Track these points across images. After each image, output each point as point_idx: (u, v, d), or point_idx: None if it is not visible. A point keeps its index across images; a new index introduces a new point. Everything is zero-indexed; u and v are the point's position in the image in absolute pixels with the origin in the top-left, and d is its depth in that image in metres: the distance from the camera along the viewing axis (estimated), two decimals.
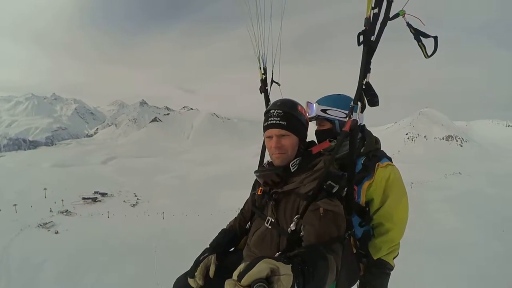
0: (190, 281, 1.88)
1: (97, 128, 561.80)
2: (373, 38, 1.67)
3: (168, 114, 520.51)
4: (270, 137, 1.88)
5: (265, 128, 1.90)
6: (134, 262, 35.29)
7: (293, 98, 1.98)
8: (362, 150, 2.21)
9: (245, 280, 1.05)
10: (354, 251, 2.00)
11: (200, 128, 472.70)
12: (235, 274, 1.11)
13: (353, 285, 1.99)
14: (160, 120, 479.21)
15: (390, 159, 2.23)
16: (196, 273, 1.86)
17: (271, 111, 1.86)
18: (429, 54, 1.61)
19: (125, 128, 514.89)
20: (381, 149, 2.33)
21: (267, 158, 2.14)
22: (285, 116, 1.83)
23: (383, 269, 2.12)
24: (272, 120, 1.84)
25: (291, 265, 1.14)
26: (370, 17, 1.62)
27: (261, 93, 2.59)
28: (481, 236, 45.57)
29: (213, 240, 2.15)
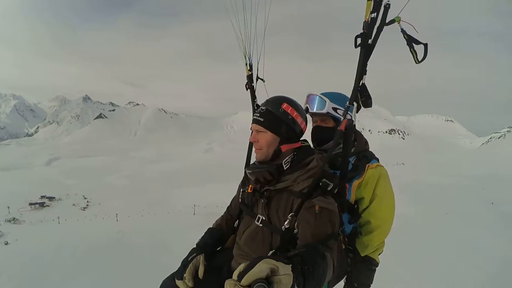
0: (179, 283, 1.87)
1: (38, 127, 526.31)
2: (370, 41, 1.76)
3: (113, 110, 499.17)
4: (252, 131, 1.95)
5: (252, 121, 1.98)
6: (93, 268, 34.37)
7: (286, 95, 2.00)
8: (352, 150, 2.28)
9: (245, 280, 1.05)
10: (343, 247, 2.10)
11: (148, 124, 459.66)
12: (235, 274, 1.11)
13: (341, 279, 2.19)
14: (106, 117, 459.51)
15: (377, 160, 2.32)
16: (185, 275, 1.85)
17: (259, 107, 1.94)
18: (419, 60, 1.70)
19: (68, 125, 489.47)
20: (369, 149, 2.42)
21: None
22: (265, 113, 1.87)
23: (370, 265, 2.22)
24: (254, 116, 1.92)
25: (291, 265, 1.16)
26: (368, 20, 1.70)
27: (247, 90, 2.61)
28: (429, 220, 49.00)
29: (200, 240, 2.14)
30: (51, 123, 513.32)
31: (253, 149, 2.04)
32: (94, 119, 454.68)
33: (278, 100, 1.89)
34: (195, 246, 2.07)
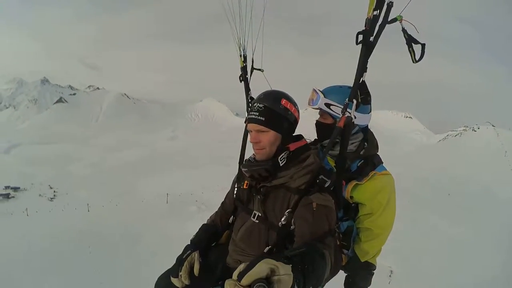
0: (174, 280, 1.84)
1: None
2: (371, 38, 1.71)
3: (74, 94, 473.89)
4: (250, 131, 1.89)
5: (246, 121, 1.91)
6: (70, 263, 33.08)
7: (280, 90, 1.94)
8: (362, 153, 2.21)
9: (245, 280, 1.03)
10: (338, 243, 1.98)
11: (110, 110, 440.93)
12: (235, 274, 1.09)
13: (335, 275, 1.98)
14: (66, 101, 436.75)
15: (384, 167, 2.25)
16: (181, 273, 1.82)
17: (254, 105, 1.85)
18: (417, 59, 1.68)
19: (25, 110, 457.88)
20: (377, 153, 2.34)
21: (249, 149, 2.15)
22: (265, 111, 1.79)
23: (370, 270, 2.24)
24: (252, 115, 1.82)
25: (291, 265, 1.14)
26: (371, 17, 1.66)
27: (240, 82, 2.54)
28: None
29: (195, 236, 2.11)
30: (7, 107, 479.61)
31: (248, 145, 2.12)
32: (54, 103, 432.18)
33: (276, 96, 1.85)
34: (189, 242, 2.05)
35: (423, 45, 1.63)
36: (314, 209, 1.62)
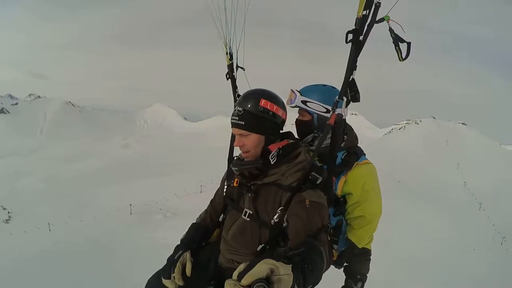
0: (166, 282, 1.80)
1: None
2: (361, 37, 1.71)
3: (16, 104, 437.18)
4: (235, 134, 1.87)
5: (231, 125, 1.87)
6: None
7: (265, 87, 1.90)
8: (342, 145, 2.26)
9: (245, 280, 1.03)
10: (329, 238, 1.91)
11: (55, 119, 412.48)
12: (235, 274, 1.09)
13: (326, 270, 1.80)
14: (8, 112, 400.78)
15: (365, 156, 2.35)
16: (174, 274, 1.79)
17: (235, 108, 1.82)
18: (403, 58, 1.68)
19: None
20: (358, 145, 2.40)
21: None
22: (244, 114, 1.77)
23: (367, 256, 2.28)
24: (232, 119, 1.81)
25: (291, 265, 1.14)
26: (361, 17, 1.66)
27: (227, 80, 2.52)
28: None
29: (185, 236, 2.08)
30: None
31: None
32: None
33: (254, 97, 1.81)
34: (179, 242, 2.02)
35: (408, 44, 1.65)
36: (307, 206, 1.64)
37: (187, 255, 1.87)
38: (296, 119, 2.43)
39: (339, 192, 2.23)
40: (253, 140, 1.80)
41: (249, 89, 1.96)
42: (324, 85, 2.37)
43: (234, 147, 2.18)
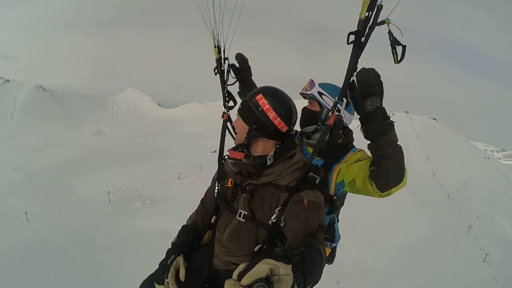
0: (160, 287, 1.85)
1: None
2: (363, 39, 1.72)
3: None
4: None
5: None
6: (21, 281, 29.68)
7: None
8: (340, 141, 2.30)
9: (245, 280, 1.04)
10: None
11: (25, 105, 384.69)
12: (235, 274, 1.09)
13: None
14: None
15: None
16: (167, 280, 1.81)
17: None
18: (398, 60, 1.73)
19: None
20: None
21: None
22: (243, 102, 1.94)
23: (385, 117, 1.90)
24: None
25: (291, 265, 1.14)
26: (363, 19, 1.68)
27: (215, 74, 2.49)
28: None
29: (177, 239, 2.09)
30: None
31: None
32: None
33: (256, 91, 1.91)
34: (171, 246, 2.04)
35: (404, 47, 1.68)
36: (306, 205, 1.65)
37: (180, 259, 1.90)
38: (305, 107, 2.48)
39: (332, 188, 2.23)
40: (241, 126, 1.93)
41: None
42: (336, 86, 2.39)
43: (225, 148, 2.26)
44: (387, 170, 1.95)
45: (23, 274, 30.27)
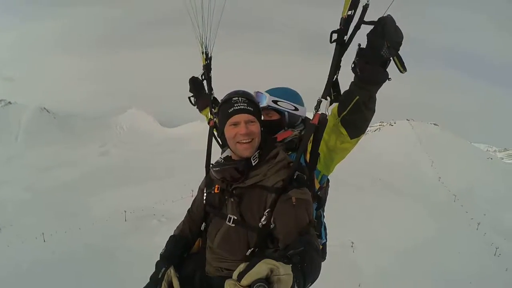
0: None
1: None
2: (346, 38, 1.66)
3: None
4: (236, 124, 1.76)
5: (231, 114, 1.75)
6: None
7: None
8: (303, 133, 2.21)
9: (245, 280, 1.02)
10: None
11: (30, 126, 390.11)
12: (235, 274, 1.07)
13: None
14: None
15: None
16: None
17: (235, 98, 1.77)
18: (403, 69, 1.62)
19: None
20: None
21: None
22: (251, 103, 1.78)
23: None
24: (240, 106, 1.75)
25: (291, 265, 1.13)
26: (345, 17, 1.62)
27: (202, 80, 2.52)
28: (334, 189, 63.01)
29: (165, 251, 2.01)
30: None
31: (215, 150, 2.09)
32: None
33: (249, 92, 1.88)
34: (159, 258, 1.97)
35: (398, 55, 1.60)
36: (294, 203, 1.62)
37: (171, 271, 1.85)
38: (262, 121, 2.31)
39: (316, 185, 2.17)
40: (258, 129, 1.81)
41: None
42: (286, 88, 2.43)
43: (211, 154, 2.26)
44: (366, 120, 1.90)
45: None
